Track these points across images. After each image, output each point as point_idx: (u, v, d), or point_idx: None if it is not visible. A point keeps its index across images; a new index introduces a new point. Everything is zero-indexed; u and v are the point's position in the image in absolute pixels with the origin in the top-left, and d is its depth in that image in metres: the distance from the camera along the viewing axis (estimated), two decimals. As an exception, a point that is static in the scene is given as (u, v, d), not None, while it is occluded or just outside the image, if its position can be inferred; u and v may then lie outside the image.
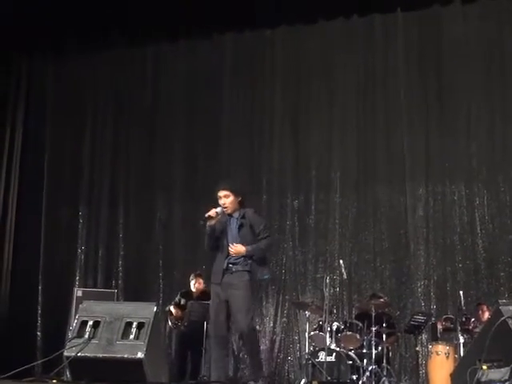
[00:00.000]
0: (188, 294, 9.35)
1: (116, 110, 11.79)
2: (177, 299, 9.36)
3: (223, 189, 6.56)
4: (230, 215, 6.56)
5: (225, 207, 6.52)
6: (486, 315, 8.25)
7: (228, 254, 6.44)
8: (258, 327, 9.70)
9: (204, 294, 9.12)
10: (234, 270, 6.42)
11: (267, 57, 11.23)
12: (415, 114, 10.35)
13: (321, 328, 8.54)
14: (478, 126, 10.11)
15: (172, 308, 9.23)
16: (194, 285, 9.35)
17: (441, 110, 10.28)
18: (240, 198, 6.59)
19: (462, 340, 8.00)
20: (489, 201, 9.78)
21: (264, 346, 9.98)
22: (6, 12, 10.60)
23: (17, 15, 10.76)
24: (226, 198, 6.52)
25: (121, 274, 11.02)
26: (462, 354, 7.76)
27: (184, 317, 9.02)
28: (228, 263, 6.44)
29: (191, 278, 9.42)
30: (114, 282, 10.99)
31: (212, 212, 6.45)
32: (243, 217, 6.55)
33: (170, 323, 9.30)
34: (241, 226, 6.53)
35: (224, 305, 6.41)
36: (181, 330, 9.16)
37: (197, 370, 8.98)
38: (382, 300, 8.74)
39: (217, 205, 6.57)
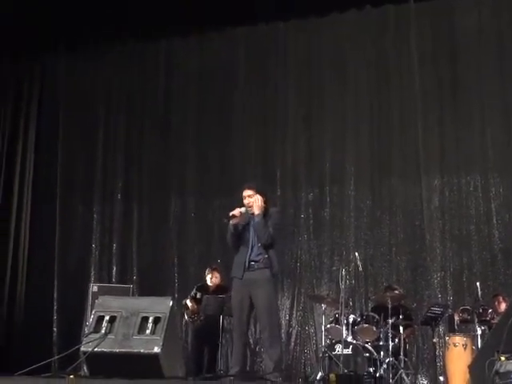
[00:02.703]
0: (204, 287, 9.32)
1: (128, 107, 11.82)
2: (193, 293, 9.33)
3: (248, 188, 6.70)
4: (254, 214, 6.65)
5: (249, 206, 6.64)
6: (503, 306, 8.22)
7: (250, 252, 6.55)
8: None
9: (220, 288, 9.13)
10: (255, 267, 6.53)
11: (279, 50, 11.20)
12: (429, 105, 10.29)
13: (337, 321, 8.50)
14: (492, 117, 10.05)
15: (188, 302, 9.21)
16: (211, 279, 9.31)
17: (455, 101, 10.23)
18: (264, 199, 6.68)
19: (479, 331, 7.98)
20: (505, 191, 9.72)
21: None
22: (17, 12, 10.66)
23: (28, 15, 10.79)
24: (251, 198, 6.65)
25: (136, 269, 11.05)
26: (479, 346, 7.73)
27: (200, 311, 9.01)
28: (249, 260, 6.55)
29: (207, 272, 9.38)
30: (129, 277, 11.02)
31: (236, 211, 6.61)
32: (265, 216, 6.63)
33: (186, 317, 9.30)
34: None
35: (247, 302, 6.54)
36: (197, 324, 9.15)
37: (213, 363, 8.97)
38: (397, 292, 8.69)
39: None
